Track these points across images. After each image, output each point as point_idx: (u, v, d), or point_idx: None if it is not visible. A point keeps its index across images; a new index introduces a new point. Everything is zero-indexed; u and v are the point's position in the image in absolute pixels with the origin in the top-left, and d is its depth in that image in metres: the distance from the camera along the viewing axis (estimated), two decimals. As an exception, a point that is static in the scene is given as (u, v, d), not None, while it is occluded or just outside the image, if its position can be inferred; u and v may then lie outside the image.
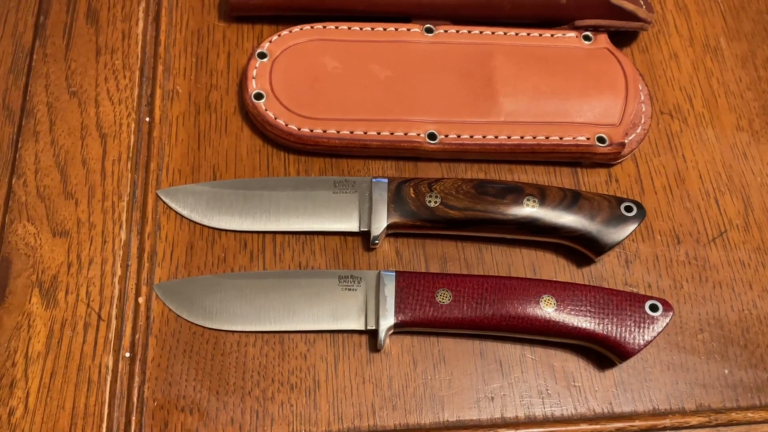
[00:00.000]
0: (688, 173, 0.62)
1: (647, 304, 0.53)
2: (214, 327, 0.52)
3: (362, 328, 0.52)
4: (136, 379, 0.51)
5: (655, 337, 0.52)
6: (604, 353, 0.53)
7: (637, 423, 0.52)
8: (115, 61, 0.61)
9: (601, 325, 0.52)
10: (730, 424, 0.53)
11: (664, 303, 0.53)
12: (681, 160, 0.62)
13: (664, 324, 0.52)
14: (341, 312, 0.52)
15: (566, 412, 0.52)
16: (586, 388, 0.53)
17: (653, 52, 0.67)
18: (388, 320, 0.51)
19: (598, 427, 0.52)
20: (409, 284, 0.52)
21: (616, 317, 0.52)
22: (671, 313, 0.53)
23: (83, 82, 0.60)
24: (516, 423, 0.52)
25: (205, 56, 0.63)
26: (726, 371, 0.54)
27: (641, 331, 0.52)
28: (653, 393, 0.53)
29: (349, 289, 0.52)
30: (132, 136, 0.59)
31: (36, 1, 0.63)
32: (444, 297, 0.51)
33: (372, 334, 0.53)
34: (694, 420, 0.52)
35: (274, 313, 0.52)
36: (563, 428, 0.51)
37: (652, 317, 0.52)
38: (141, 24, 0.63)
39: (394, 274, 0.53)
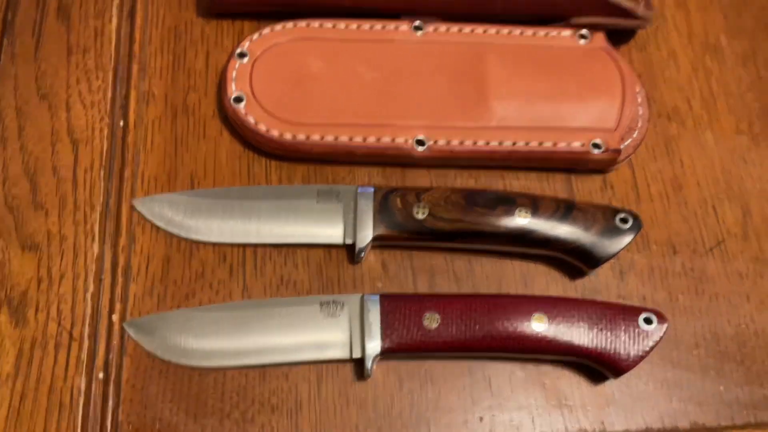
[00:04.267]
0: (686, 179, 0.60)
1: (641, 317, 0.51)
2: (191, 365, 0.50)
3: (347, 357, 0.50)
4: (110, 401, 0.49)
5: (649, 351, 0.51)
6: (597, 369, 0.52)
7: (630, 444, 0.51)
8: (87, 61, 0.58)
9: (595, 341, 0.50)
10: (724, 443, 0.52)
11: (659, 315, 0.51)
12: (678, 165, 0.60)
13: (659, 337, 0.51)
14: (324, 342, 0.50)
15: (557, 433, 0.51)
16: (578, 406, 0.52)
17: (651, 50, 0.64)
18: (374, 348, 0.49)
19: (589, 447, 0.50)
20: (395, 308, 0.50)
21: (609, 332, 0.51)
22: (666, 325, 0.51)
23: (54, 83, 0.57)
24: (505, 444, 0.50)
25: (183, 55, 0.60)
26: (721, 388, 0.53)
27: (636, 345, 0.51)
28: (646, 411, 0.52)
29: (332, 316, 0.50)
30: (105, 142, 0.56)
31: (4, -5, 0.60)
32: (432, 321, 0.49)
33: (358, 362, 0.51)
34: (689, 439, 0.51)
35: (254, 348, 0.50)
36: (554, 450, 0.50)
37: (647, 331, 0.51)
38: (115, 20, 0.60)
39: (378, 297, 0.50)
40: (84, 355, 0.50)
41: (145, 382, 0.50)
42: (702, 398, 0.53)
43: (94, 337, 0.50)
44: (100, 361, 0.50)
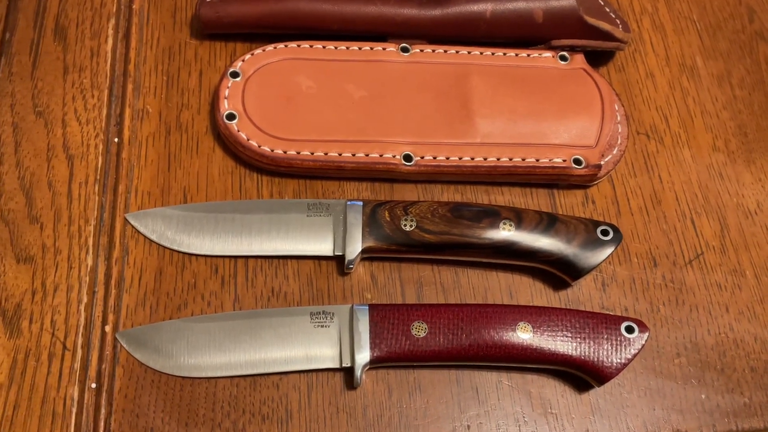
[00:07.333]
0: (665, 194, 0.61)
1: (623, 325, 0.52)
2: (182, 375, 0.50)
3: (337, 366, 0.51)
4: (103, 410, 0.49)
5: (631, 359, 0.52)
6: (582, 377, 0.53)
7: (614, 450, 0.52)
8: (83, 80, 0.60)
9: (578, 349, 0.52)
10: (706, 450, 0.53)
11: (640, 324, 0.53)
12: (657, 180, 0.62)
13: (641, 345, 0.52)
14: (315, 351, 0.51)
15: (543, 440, 0.52)
16: (563, 414, 0.53)
17: (630, 71, 0.67)
18: (363, 357, 0.50)
19: (574, 454, 0.51)
20: (384, 318, 0.51)
21: (592, 341, 0.52)
22: (647, 334, 0.52)
23: (50, 101, 0.59)
24: (492, 451, 0.51)
25: (177, 75, 0.61)
26: (703, 396, 0.54)
27: (618, 353, 0.52)
28: (630, 419, 0.53)
29: (322, 326, 0.51)
30: (100, 158, 0.57)
31: (1, 16, 0.62)
32: (419, 329, 0.51)
33: (347, 371, 0.52)
34: (671, 446, 0.52)
35: (246, 358, 0.50)
36: (540, 457, 0.51)
37: (629, 339, 0.52)
38: (110, 41, 0.62)
39: (367, 308, 0.51)
40: (77, 365, 0.50)
41: (137, 391, 0.50)
42: (684, 406, 0.54)
43: (87, 347, 0.51)
44: (92, 371, 0.50)
